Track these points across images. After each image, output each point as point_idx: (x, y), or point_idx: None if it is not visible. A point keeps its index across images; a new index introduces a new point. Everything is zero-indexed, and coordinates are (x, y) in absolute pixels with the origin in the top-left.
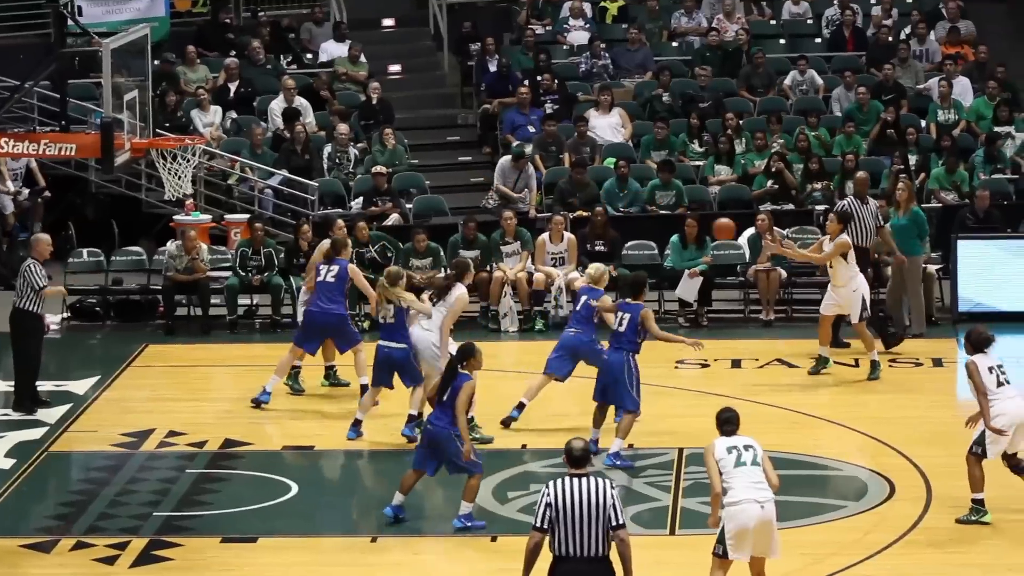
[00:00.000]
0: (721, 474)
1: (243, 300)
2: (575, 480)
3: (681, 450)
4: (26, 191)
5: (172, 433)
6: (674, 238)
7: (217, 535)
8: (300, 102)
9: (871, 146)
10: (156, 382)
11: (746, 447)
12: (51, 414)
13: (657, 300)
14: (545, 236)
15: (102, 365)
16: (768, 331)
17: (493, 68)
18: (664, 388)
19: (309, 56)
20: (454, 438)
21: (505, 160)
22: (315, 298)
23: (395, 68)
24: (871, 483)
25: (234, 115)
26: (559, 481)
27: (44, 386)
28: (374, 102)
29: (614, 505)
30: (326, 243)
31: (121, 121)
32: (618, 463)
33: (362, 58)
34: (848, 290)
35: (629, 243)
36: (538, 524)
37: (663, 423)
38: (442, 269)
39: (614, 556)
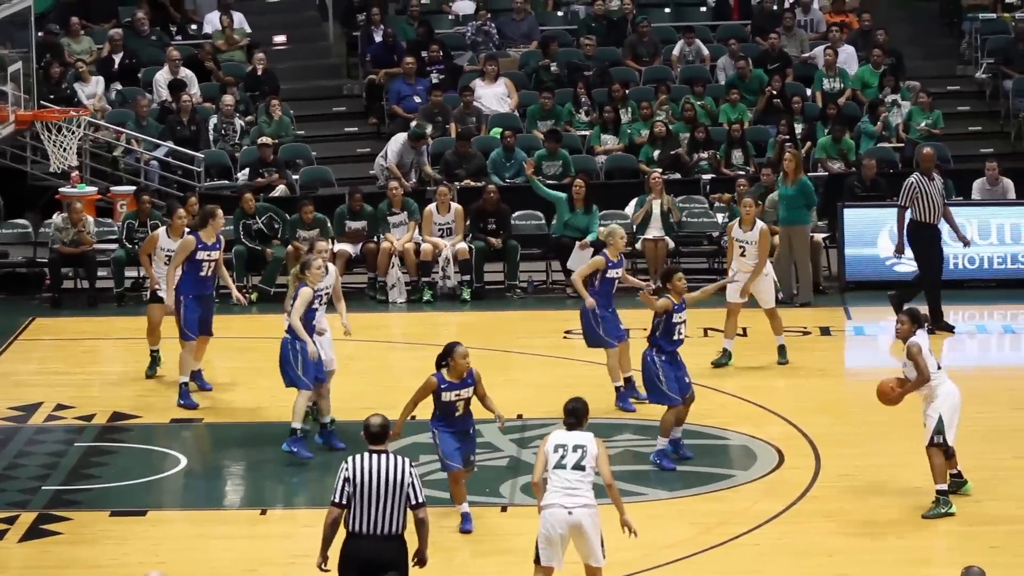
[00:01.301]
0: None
1: (130, 272)
2: (373, 456)
3: None
4: None
5: (60, 407)
6: (562, 196)
7: (107, 508)
8: (185, 73)
9: (757, 115)
10: (43, 355)
11: (576, 447)
12: None
13: (544, 271)
14: (432, 207)
15: None
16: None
17: (379, 38)
18: (554, 358)
19: (194, 27)
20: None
21: (401, 139)
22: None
23: (280, 38)
24: (759, 452)
25: (119, 87)
26: (357, 457)
27: None
28: (259, 73)
29: (412, 484)
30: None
31: (5, 93)
32: (660, 461)
33: (246, 27)
34: (760, 275)
35: (517, 213)
36: (336, 499)
37: (552, 393)
38: (329, 240)
39: (411, 536)
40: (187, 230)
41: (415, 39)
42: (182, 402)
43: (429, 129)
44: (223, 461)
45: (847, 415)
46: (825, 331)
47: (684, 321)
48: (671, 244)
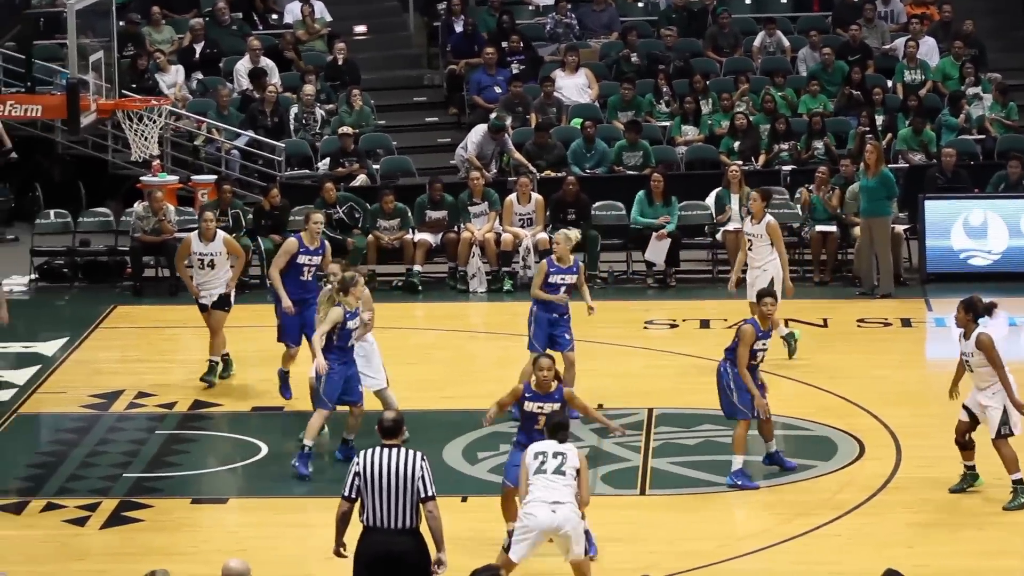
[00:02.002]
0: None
1: None
2: (385, 451)
3: (651, 410)
4: None
5: (141, 394)
6: (640, 193)
7: (187, 496)
8: (266, 63)
9: (837, 107)
10: (124, 343)
11: (555, 454)
12: (19, 375)
13: (625, 261)
14: (512, 197)
15: (70, 326)
16: (737, 291)
17: (459, 28)
18: (633, 348)
19: (275, 17)
20: None
21: (482, 130)
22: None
23: (361, 28)
24: (840, 443)
25: (200, 76)
26: (369, 451)
27: (12, 347)
28: (340, 62)
29: (423, 477)
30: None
31: (87, 82)
32: (739, 482)
33: (327, 16)
34: (760, 270)
35: (597, 204)
36: (345, 493)
37: (632, 383)
38: (410, 230)
39: (425, 529)
40: (291, 233)
41: (496, 29)
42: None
43: (509, 121)
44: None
45: (928, 406)
46: (906, 323)
47: (765, 348)
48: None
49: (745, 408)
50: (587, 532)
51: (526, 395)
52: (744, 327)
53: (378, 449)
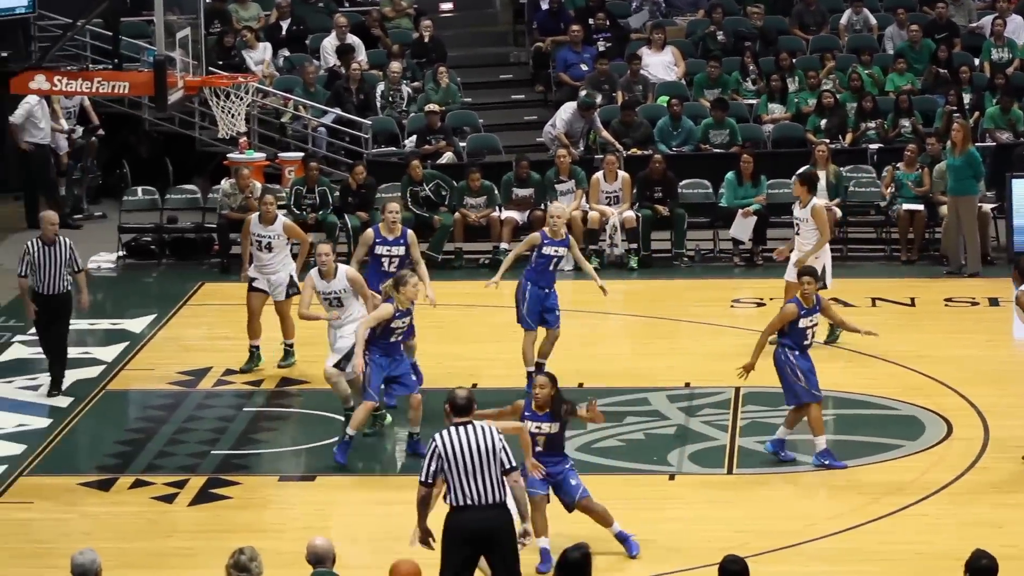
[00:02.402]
0: None
1: None
2: (461, 429)
3: (738, 389)
4: (80, 129)
5: (229, 371)
6: (729, 175)
7: (275, 473)
8: (353, 40)
9: (924, 85)
10: (212, 320)
11: None
12: (107, 352)
13: (712, 239)
14: (599, 175)
15: (158, 303)
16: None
17: (545, 6)
18: (721, 327)
19: None
20: None
21: (571, 107)
22: None
23: (447, 6)
24: (928, 423)
25: (287, 53)
26: (445, 433)
27: (100, 324)
28: (426, 40)
29: (504, 449)
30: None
31: (174, 59)
32: (827, 462)
33: None
34: (819, 250)
35: (683, 182)
36: (423, 478)
37: (720, 362)
38: (496, 207)
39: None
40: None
41: (583, 7)
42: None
43: (599, 99)
44: (392, 427)
45: (1015, 385)
46: (993, 302)
47: (814, 325)
48: (839, 213)
49: (814, 389)
50: (623, 535)
51: (525, 413)
52: (787, 305)
53: (453, 429)
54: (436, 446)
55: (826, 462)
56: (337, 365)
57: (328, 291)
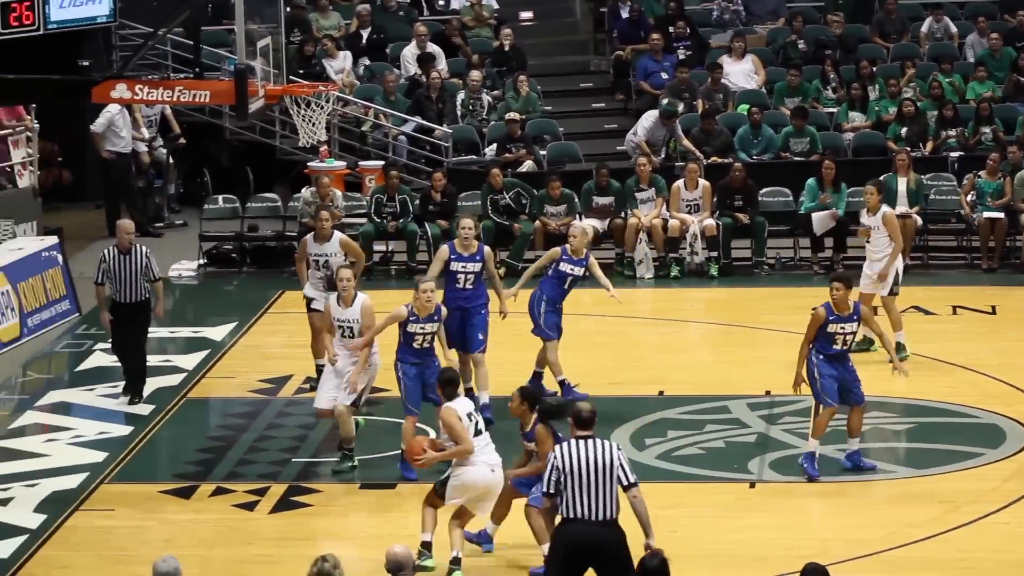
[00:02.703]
0: None
1: (378, 246)
2: (581, 442)
3: None
4: (161, 138)
5: (309, 379)
6: (810, 181)
7: (356, 481)
8: (433, 48)
9: (1005, 93)
10: (292, 328)
11: (473, 413)
12: (188, 360)
13: (792, 247)
14: (680, 183)
15: (238, 311)
16: (904, 278)
17: (625, 14)
18: (801, 335)
19: (441, 3)
20: None
21: (653, 116)
22: None
23: (527, 14)
24: (1009, 431)
25: (367, 62)
26: (566, 444)
27: (181, 332)
28: (507, 49)
29: (622, 466)
30: None
31: (254, 68)
32: (804, 464)
33: (493, 3)
34: (879, 263)
35: (763, 190)
36: (545, 489)
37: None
38: (576, 215)
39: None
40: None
41: (663, 15)
42: None
43: (680, 107)
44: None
45: None
46: None
47: (846, 332)
48: (919, 221)
49: (828, 396)
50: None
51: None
52: (817, 310)
53: (574, 441)
54: (555, 458)
55: (804, 465)
56: (354, 403)
57: (343, 318)
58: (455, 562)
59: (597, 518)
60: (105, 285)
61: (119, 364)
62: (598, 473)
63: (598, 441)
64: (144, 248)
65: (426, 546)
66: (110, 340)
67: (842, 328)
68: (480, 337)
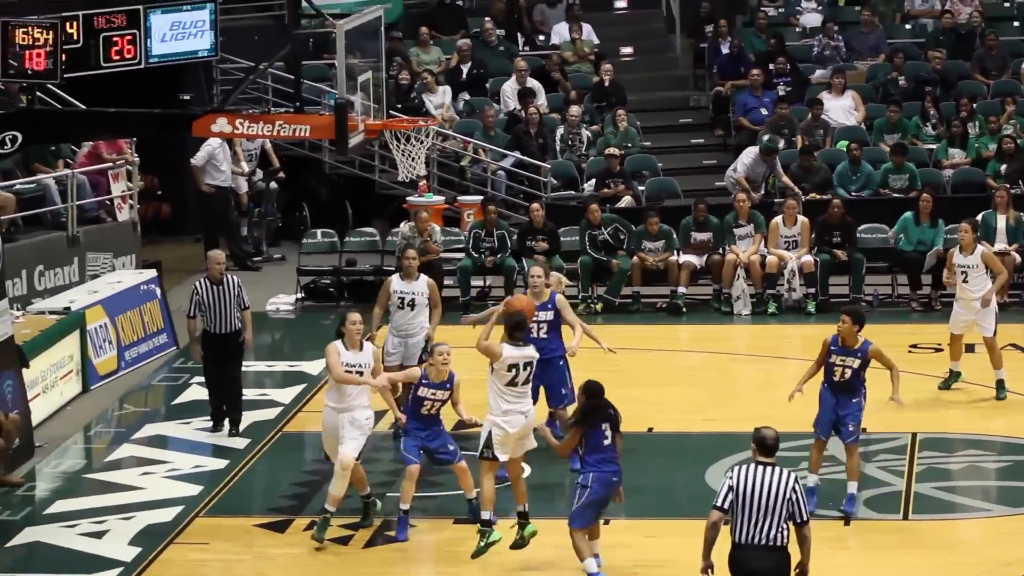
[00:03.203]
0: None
1: (476, 281)
2: (759, 468)
3: (914, 435)
4: (260, 172)
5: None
6: (907, 214)
7: (450, 516)
8: (533, 83)
9: None
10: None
11: (526, 365)
12: (285, 394)
13: (890, 284)
14: (778, 219)
15: None
16: (1003, 315)
17: (726, 50)
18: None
19: (541, 38)
20: None
21: (753, 152)
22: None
23: (627, 50)
24: None
25: (467, 97)
26: (744, 468)
27: (278, 366)
28: (606, 84)
29: (798, 501)
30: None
31: (354, 102)
32: (850, 512)
33: (594, 38)
34: (977, 301)
35: (862, 227)
36: (719, 503)
37: (896, 408)
38: (675, 252)
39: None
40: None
41: (763, 51)
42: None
43: (781, 144)
44: (565, 469)
45: None
46: None
47: (846, 365)
48: (1018, 258)
49: (818, 427)
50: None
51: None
52: (827, 337)
53: (753, 466)
54: (732, 477)
55: (843, 507)
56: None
57: (353, 363)
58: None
59: (762, 543)
60: (197, 318)
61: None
62: (771, 501)
63: (777, 469)
64: (235, 278)
65: (487, 523)
66: (204, 372)
67: (842, 360)
68: (563, 392)
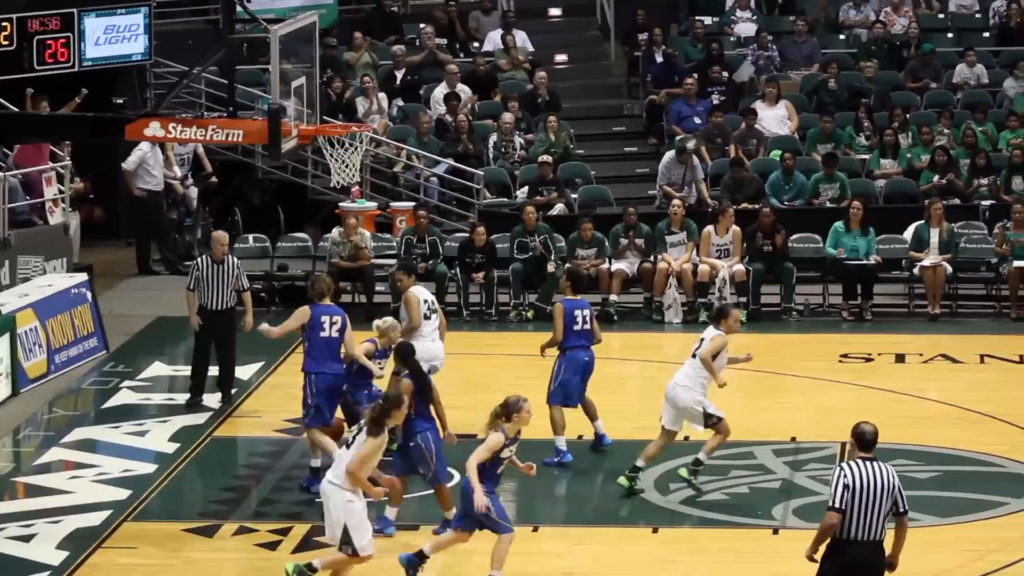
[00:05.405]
0: None
1: None
2: (866, 464)
3: (844, 444)
4: (193, 177)
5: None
6: (837, 224)
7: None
8: (462, 88)
9: None
10: None
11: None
12: (216, 399)
13: (821, 293)
14: (710, 228)
15: (266, 351)
16: (933, 326)
17: (660, 59)
18: (828, 382)
19: (476, 45)
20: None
21: (669, 156)
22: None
23: (562, 57)
24: None
25: (400, 103)
26: (855, 465)
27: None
28: (540, 91)
29: (900, 489)
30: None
31: (288, 108)
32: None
33: (528, 46)
34: None
35: (794, 236)
36: (838, 505)
37: (827, 417)
38: (606, 260)
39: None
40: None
41: (697, 60)
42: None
43: (692, 144)
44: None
45: None
46: None
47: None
48: (949, 269)
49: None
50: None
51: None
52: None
53: (861, 463)
54: (846, 475)
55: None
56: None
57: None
58: None
59: (870, 538)
60: (196, 292)
61: (146, 402)
62: (881, 495)
63: (881, 464)
64: (235, 260)
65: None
66: (194, 346)
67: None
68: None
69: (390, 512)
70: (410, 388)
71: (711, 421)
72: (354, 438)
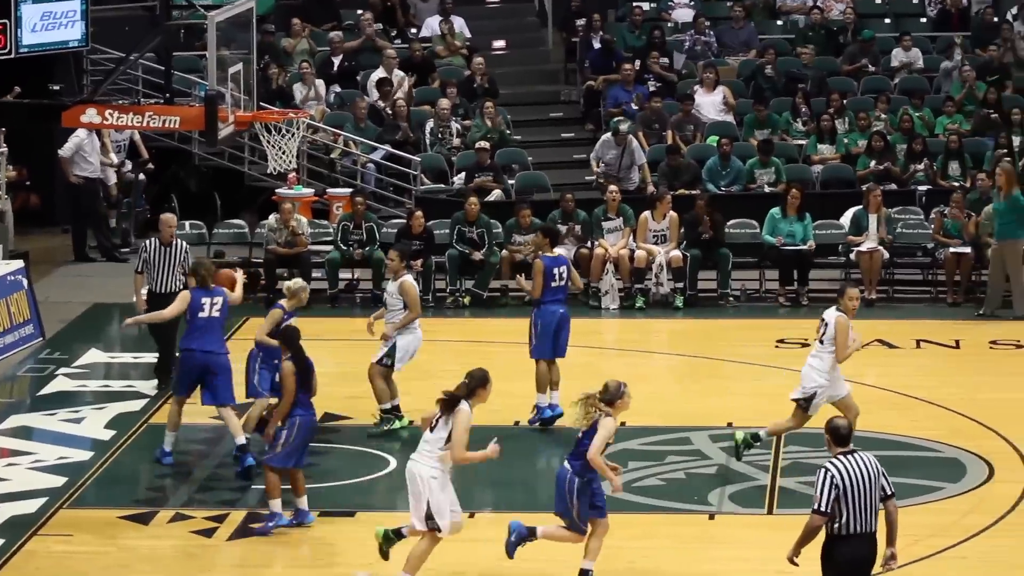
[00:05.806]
0: None
1: (344, 274)
2: (849, 458)
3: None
4: (129, 163)
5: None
6: (774, 210)
7: (315, 509)
8: (398, 74)
9: (975, 127)
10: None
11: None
12: (150, 386)
13: (758, 279)
14: (647, 213)
15: None
16: (869, 311)
17: (597, 45)
18: (765, 367)
19: (413, 31)
20: None
21: (606, 137)
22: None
23: (499, 43)
24: (969, 465)
25: (338, 89)
26: (839, 462)
27: (144, 358)
28: (478, 77)
29: (884, 474)
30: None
31: (225, 94)
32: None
33: (466, 32)
34: None
35: (731, 222)
36: (825, 508)
37: (764, 402)
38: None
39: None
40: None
41: (635, 46)
42: None
43: (625, 126)
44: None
45: None
46: None
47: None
48: (886, 255)
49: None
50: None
51: None
52: None
53: (844, 458)
54: (832, 475)
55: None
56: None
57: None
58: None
59: (866, 531)
60: (144, 274)
61: (82, 389)
62: (870, 486)
63: (863, 455)
64: (183, 243)
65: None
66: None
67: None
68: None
69: (277, 506)
70: (292, 371)
71: (800, 401)
72: (437, 421)
